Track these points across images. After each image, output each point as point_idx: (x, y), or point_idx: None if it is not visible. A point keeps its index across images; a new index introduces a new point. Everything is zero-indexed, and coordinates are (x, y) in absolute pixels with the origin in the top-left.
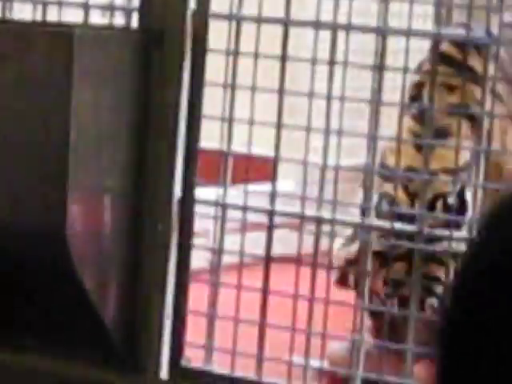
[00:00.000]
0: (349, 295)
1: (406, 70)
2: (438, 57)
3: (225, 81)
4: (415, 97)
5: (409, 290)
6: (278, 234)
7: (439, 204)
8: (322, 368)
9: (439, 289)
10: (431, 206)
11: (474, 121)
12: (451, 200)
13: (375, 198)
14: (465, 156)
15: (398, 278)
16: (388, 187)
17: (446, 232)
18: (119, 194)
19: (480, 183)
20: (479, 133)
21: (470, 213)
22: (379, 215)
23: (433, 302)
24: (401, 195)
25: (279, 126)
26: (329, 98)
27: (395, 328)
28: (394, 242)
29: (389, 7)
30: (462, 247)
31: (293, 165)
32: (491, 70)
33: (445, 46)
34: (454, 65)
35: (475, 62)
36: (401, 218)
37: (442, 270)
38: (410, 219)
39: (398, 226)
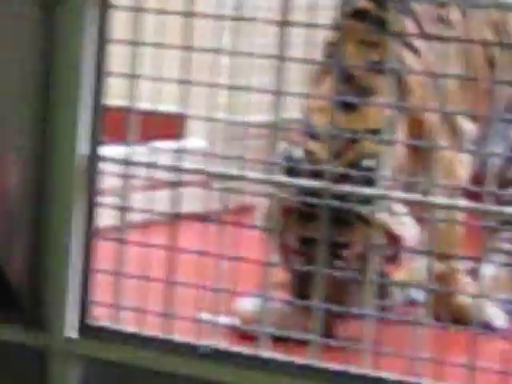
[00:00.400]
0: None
1: (312, 25)
2: (355, 12)
3: (130, 38)
4: (333, 55)
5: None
6: (185, 191)
7: (360, 164)
8: (231, 325)
9: (346, 250)
10: (353, 166)
11: (397, 79)
12: (371, 162)
13: (299, 156)
14: (387, 114)
15: (309, 236)
16: (311, 145)
17: (358, 190)
18: (25, 153)
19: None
20: (402, 91)
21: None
22: (302, 173)
23: (338, 263)
24: (323, 153)
25: (186, 82)
26: (234, 53)
27: (307, 286)
28: (307, 199)
29: None
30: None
31: (205, 122)
32: (408, 24)
33: (361, 1)
34: (371, 20)
35: (392, 17)
36: (321, 176)
37: (351, 234)
38: (331, 178)
39: (309, 182)
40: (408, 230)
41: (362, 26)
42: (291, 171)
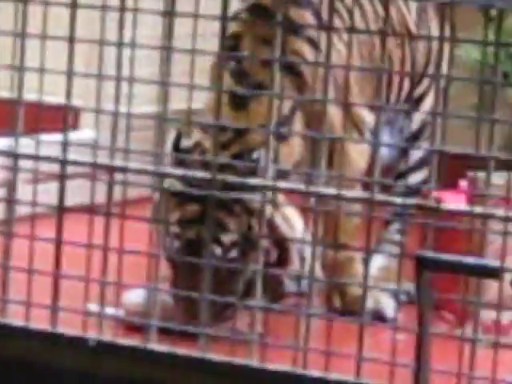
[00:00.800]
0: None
1: (196, 16)
2: (254, 8)
3: (15, 29)
4: (233, 48)
5: (196, 233)
6: (71, 183)
7: (246, 157)
8: (117, 316)
9: (226, 238)
10: (238, 158)
11: (294, 73)
12: (256, 154)
13: (188, 146)
14: (284, 109)
15: (187, 219)
16: (200, 137)
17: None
18: None
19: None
20: (299, 84)
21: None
22: (191, 163)
23: (218, 250)
24: (210, 146)
25: (71, 74)
26: (119, 44)
27: (187, 276)
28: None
29: None
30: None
31: (94, 114)
32: (308, 18)
33: None
34: (270, 16)
35: (292, 12)
36: (208, 167)
37: (232, 220)
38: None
39: (194, 173)
40: (291, 221)
41: (260, 21)
42: (179, 161)
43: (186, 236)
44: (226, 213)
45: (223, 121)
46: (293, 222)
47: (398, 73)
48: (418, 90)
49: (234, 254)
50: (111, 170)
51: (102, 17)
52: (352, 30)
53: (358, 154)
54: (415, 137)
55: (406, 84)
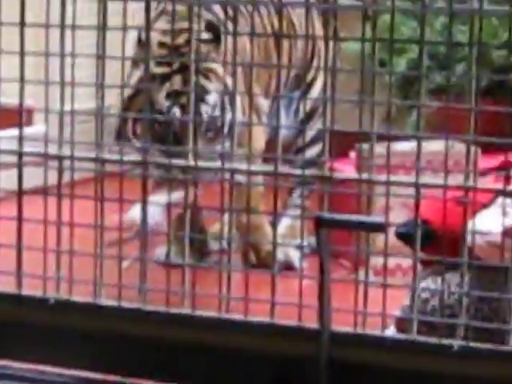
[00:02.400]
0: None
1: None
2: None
3: None
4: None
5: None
6: (27, 170)
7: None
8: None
9: (211, 99)
10: None
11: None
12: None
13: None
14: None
15: (176, 89)
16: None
17: None
18: None
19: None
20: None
21: None
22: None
23: (206, 109)
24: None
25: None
26: (62, 55)
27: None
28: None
29: None
30: None
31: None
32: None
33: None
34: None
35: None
36: None
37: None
38: None
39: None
40: None
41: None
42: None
43: (178, 102)
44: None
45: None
46: None
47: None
48: (307, 79)
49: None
50: (60, 158)
51: (45, 32)
52: (252, 32)
53: (258, 135)
54: (309, 116)
55: (292, 73)
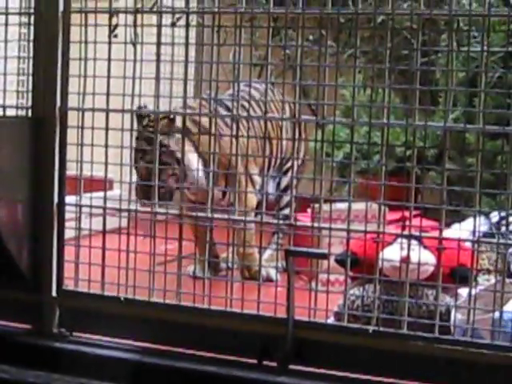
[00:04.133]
0: None
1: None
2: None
3: None
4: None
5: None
6: (108, 218)
7: None
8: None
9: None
10: None
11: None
12: None
13: None
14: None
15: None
16: None
17: None
18: (24, 202)
19: None
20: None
21: None
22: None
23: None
24: None
25: None
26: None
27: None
28: None
29: None
30: None
31: None
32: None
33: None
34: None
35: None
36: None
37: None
38: None
39: None
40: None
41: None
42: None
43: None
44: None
45: None
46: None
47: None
48: (286, 166)
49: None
50: (129, 211)
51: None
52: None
53: (251, 198)
54: (286, 188)
55: (278, 160)
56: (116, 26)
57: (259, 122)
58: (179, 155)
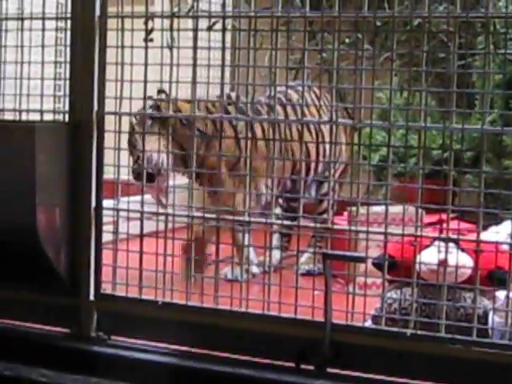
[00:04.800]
0: None
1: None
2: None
3: None
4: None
5: None
6: (146, 222)
7: None
8: None
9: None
10: None
11: None
12: None
13: None
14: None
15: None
16: None
17: None
18: (62, 207)
19: None
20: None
21: None
22: None
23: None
24: None
25: None
26: None
27: None
28: None
29: None
30: None
31: None
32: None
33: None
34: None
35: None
36: None
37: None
38: None
39: None
40: None
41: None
42: None
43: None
44: None
45: None
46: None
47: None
48: (325, 173)
49: None
50: (166, 215)
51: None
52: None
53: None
54: (325, 194)
55: (320, 164)
56: (152, 30)
57: (297, 125)
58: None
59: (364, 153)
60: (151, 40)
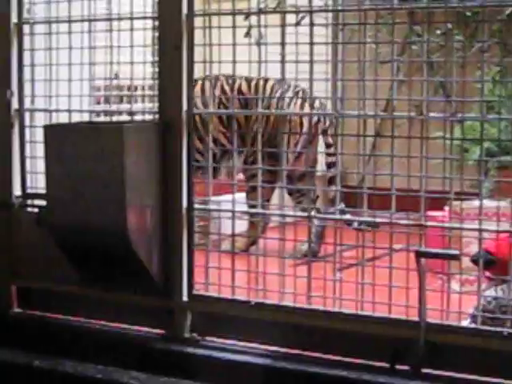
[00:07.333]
0: None
1: None
2: None
3: None
4: None
5: None
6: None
7: None
8: None
9: None
10: None
11: None
12: None
13: None
14: None
15: None
16: None
17: None
18: (153, 207)
19: None
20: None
21: None
22: None
23: None
24: None
25: None
26: None
27: None
28: None
29: None
30: None
31: None
32: None
33: None
34: None
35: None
36: None
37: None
38: None
39: None
40: None
41: None
42: None
43: None
44: None
45: None
46: None
47: None
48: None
49: None
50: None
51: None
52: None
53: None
54: None
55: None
56: (250, 27)
57: None
58: None
59: (465, 145)
60: (249, 35)
